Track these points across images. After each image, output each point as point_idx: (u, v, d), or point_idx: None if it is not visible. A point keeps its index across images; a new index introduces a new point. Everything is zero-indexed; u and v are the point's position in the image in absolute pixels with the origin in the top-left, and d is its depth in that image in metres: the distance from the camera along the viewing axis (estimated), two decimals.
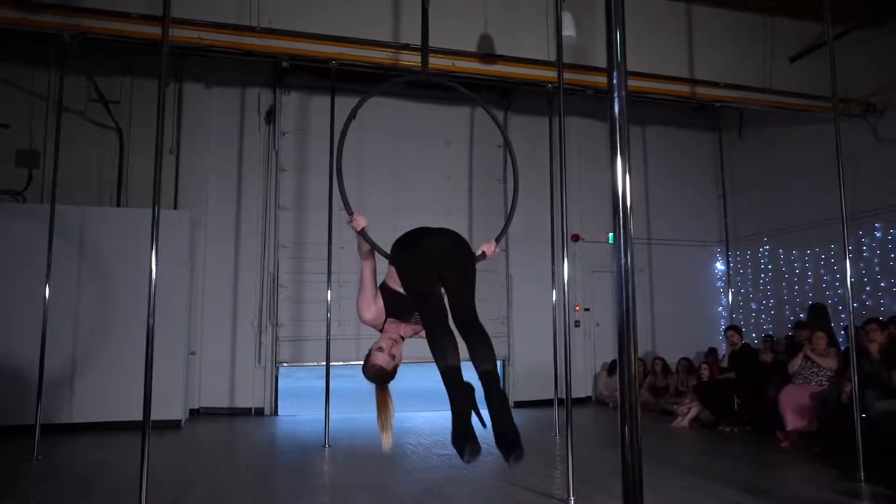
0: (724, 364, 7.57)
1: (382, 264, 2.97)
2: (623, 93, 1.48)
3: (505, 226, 3.48)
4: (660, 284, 9.73)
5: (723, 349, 8.37)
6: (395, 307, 2.96)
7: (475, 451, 2.43)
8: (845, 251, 5.08)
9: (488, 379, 2.53)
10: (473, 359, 2.60)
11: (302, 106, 8.83)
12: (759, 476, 4.92)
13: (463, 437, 2.45)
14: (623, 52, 1.51)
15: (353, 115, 3.31)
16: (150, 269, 3.62)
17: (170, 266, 6.49)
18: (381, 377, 2.89)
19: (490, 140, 9.50)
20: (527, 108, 9.29)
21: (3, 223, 6.80)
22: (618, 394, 1.44)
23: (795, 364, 6.41)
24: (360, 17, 6.48)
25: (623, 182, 1.47)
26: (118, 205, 7.97)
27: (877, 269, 7.82)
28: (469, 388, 2.55)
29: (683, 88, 7.56)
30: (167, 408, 6.81)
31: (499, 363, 9.42)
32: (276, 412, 8.37)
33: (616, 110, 1.48)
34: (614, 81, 1.49)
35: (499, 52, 6.81)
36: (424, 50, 4.10)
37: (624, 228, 1.45)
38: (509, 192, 9.45)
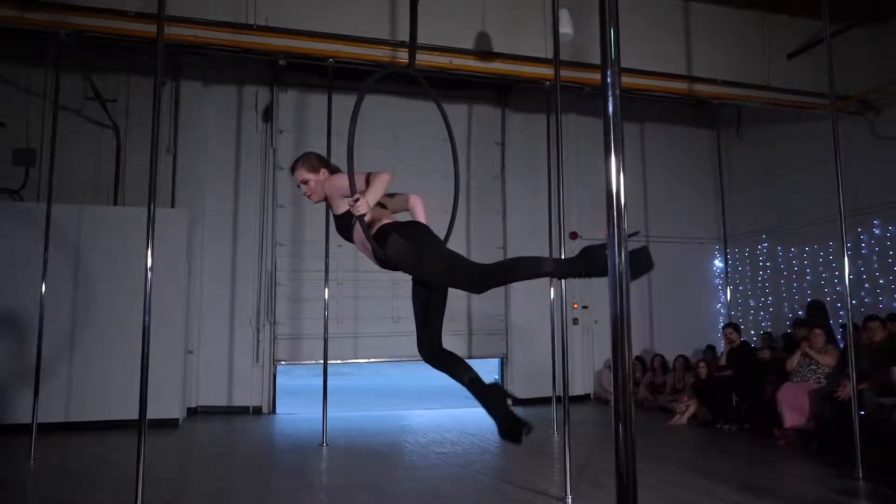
0: (723, 362, 7.57)
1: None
2: (617, 91, 1.48)
3: (450, 225, 3.28)
4: (658, 282, 9.69)
5: (721, 347, 8.38)
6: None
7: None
8: (843, 248, 5.07)
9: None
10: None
11: (299, 104, 8.82)
12: (756, 474, 4.91)
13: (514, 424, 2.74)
14: (617, 50, 1.49)
15: (361, 97, 3.08)
16: (146, 268, 3.62)
17: (167, 264, 6.49)
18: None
19: (487, 138, 9.50)
20: (525, 105, 9.28)
21: (0, 222, 6.78)
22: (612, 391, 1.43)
23: (793, 362, 6.41)
24: (358, 15, 6.47)
25: (617, 181, 1.46)
26: (115, 203, 7.95)
27: (875, 266, 7.82)
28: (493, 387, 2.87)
29: (681, 86, 7.54)
30: (165, 406, 6.81)
31: (497, 361, 9.43)
32: (273, 410, 8.38)
33: (610, 109, 1.47)
34: (608, 80, 1.48)
35: (496, 49, 6.80)
36: (412, 46, 4.15)
37: (618, 228, 1.44)
38: (507, 189, 9.55)
